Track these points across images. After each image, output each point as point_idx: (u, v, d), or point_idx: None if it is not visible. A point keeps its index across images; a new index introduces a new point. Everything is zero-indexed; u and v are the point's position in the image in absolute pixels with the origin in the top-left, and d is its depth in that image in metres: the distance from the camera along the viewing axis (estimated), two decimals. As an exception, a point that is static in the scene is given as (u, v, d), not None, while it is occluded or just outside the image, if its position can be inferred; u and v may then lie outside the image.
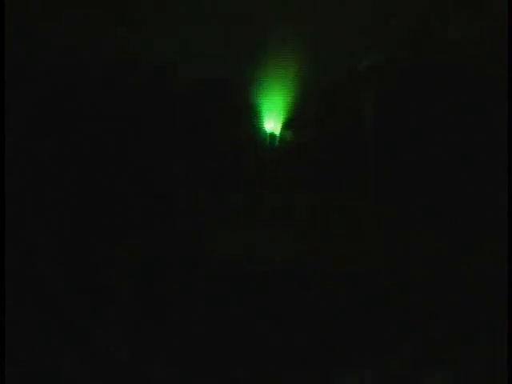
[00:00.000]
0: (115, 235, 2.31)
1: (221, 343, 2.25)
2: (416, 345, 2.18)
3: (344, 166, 2.36)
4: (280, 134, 2.39)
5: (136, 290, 2.29)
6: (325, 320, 2.28)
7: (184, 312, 2.28)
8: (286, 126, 2.38)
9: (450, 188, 2.27)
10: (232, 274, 2.34)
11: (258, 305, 2.30)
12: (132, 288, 2.29)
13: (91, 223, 2.30)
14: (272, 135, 2.39)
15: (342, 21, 2.27)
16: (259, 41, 2.31)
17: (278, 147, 2.39)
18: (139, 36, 2.28)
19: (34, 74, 2.22)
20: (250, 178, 2.40)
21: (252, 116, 2.38)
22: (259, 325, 2.28)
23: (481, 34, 2.17)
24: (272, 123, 2.39)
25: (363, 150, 2.34)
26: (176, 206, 2.37)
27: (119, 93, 2.29)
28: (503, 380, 1.96)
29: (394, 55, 2.28)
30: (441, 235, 2.28)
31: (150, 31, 2.28)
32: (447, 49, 2.24)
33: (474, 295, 2.18)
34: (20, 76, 2.18)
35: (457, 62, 2.23)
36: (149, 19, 2.29)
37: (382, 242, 2.34)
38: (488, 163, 2.20)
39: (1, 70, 2.04)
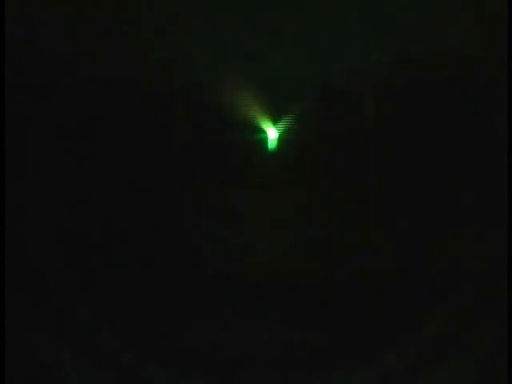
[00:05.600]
0: (115, 235, 2.31)
1: (221, 343, 2.25)
2: (415, 344, 2.18)
3: (344, 166, 2.36)
4: (280, 133, 2.39)
5: (136, 289, 2.29)
6: (325, 320, 2.28)
7: (184, 312, 2.28)
8: (286, 125, 2.38)
9: (450, 188, 2.27)
10: (232, 273, 2.34)
11: (257, 304, 2.30)
12: (132, 287, 2.29)
13: (91, 223, 2.30)
14: (272, 135, 2.39)
15: (343, 21, 2.27)
16: (259, 41, 2.31)
17: (277, 147, 2.39)
18: (139, 36, 2.28)
19: (34, 74, 2.22)
20: (250, 178, 2.40)
21: (251, 115, 2.38)
22: (260, 324, 2.28)
23: (482, 34, 2.17)
24: (271, 123, 2.39)
25: (363, 150, 2.34)
26: (176, 206, 2.37)
27: (119, 93, 2.29)
28: (503, 380, 1.96)
29: (394, 55, 2.28)
30: (441, 235, 2.29)
31: (151, 31, 2.28)
32: (447, 49, 2.24)
33: (473, 295, 2.18)
34: (20, 76, 2.18)
35: (458, 62, 2.23)
36: (149, 18, 2.29)
37: (382, 241, 2.34)
38: (489, 163, 2.20)
39: (1, 70, 2.04)
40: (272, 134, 2.38)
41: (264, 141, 2.38)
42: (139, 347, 2.17)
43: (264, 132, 2.38)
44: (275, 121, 2.37)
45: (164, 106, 2.32)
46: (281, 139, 2.38)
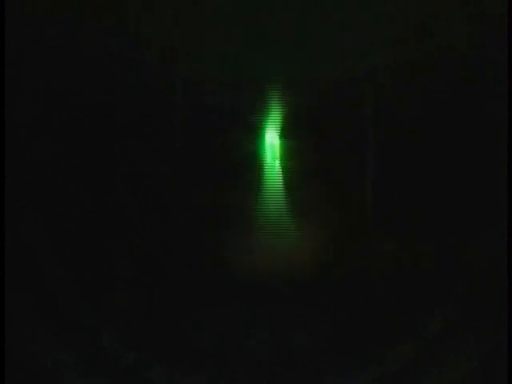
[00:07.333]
0: (116, 235, 2.31)
1: (220, 343, 2.25)
2: (415, 344, 2.18)
3: (344, 167, 2.37)
4: (280, 133, 2.39)
5: (136, 290, 2.29)
6: (325, 320, 2.28)
7: (185, 312, 2.28)
8: (286, 126, 2.38)
9: (450, 189, 2.27)
10: (232, 274, 2.34)
11: (257, 305, 2.30)
12: (132, 289, 2.30)
13: (92, 222, 2.30)
14: (271, 135, 2.40)
15: (342, 21, 2.27)
16: (258, 41, 2.31)
17: (277, 147, 2.39)
18: (139, 35, 2.28)
19: (34, 74, 2.22)
20: (250, 178, 2.40)
21: (251, 116, 2.38)
22: (259, 325, 2.28)
23: (481, 34, 2.17)
24: (271, 123, 2.39)
25: (364, 150, 2.35)
26: (176, 207, 2.37)
27: (118, 93, 2.29)
28: (503, 379, 1.97)
29: (394, 55, 2.28)
30: (441, 235, 2.29)
31: (151, 29, 2.28)
32: (447, 49, 2.24)
33: (473, 294, 2.18)
34: (20, 76, 2.18)
35: (458, 62, 2.23)
36: (149, 18, 2.29)
37: (382, 241, 2.34)
38: (489, 164, 2.20)
39: (1, 69, 2.04)
40: (272, 135, 2.38)
41: (264, 142, 2.38)
42: (140, 347, 2.18)
43: (264, 133, 2.38)
44: (275, 121, 2.37)
45: (163, 105, 2.32)
46: (281, 140, 2.38)
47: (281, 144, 2.39)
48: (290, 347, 2.24)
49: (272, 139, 2.39)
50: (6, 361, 1.95)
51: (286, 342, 2.25)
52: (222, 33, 2.28)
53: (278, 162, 2.40)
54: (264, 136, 2.38)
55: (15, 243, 2.12)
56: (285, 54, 2.31)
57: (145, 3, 2.27)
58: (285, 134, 2.38)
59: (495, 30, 2.11)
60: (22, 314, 2.10)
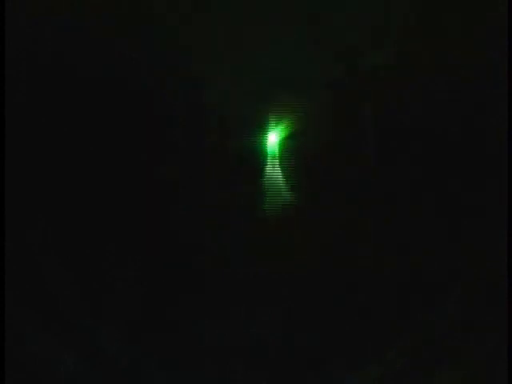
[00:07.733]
0: (116, 234, 2.31)
1: (220, 343, 2.25)
2: (415, 344, 2.18)
3: (344, 167, 2.37)
4: (279, 134, 2.39)
5: (136, 290, 2.29)
6: (325, 320, 2.28)
7: (185, 313, 2.28)
8: (286, 126, 2.38)
9: (450, 189, 2.28)
10: (232, 274, 2.34)
11: (257, 305, 2.30)
12: (132, 289, 2.29)
13: (91, 222, 2.30)
14: (272, 137, 2.40)
15: (342, 21, 2.27)
16: (258, 41, 2.31)
17: (277, 148, 2.39)
18: (139, 36, 2.28)
19: (34, 74, 2.22)
20: (250, 179, 2.40)
21: (251, 115, 2.38)
22: (259, 325, 2.28)
23: (481, 34, 2.17)
24: (271, 124, 2.39)
25: (364, 150, 2.35)
26: (176, 207, 2.37)
27: (118, 93, 2.29)
28: (503, 379, 1.97)
29: (394, 55, 2.28)
30: (440, 235, 2.29)
31: (151, 31, 2.28)
32: (448, 49, 2.24)
33: (473, 294, 2.18)
34: (20, 76, 2.18)
35: (458, 62, 2.23)
36: (149, 18, 2.28)
37: (381, 242, 2.34)
38: (489, 164, 2.20)
39: (1, 69, 2.04)
40: (272, 136, 2.38)
41: (264, 142, 2.38)
42: (140, 347, 2.18)
43: (264, 134, 2.38)
44: (275, 122, 2.37)
45: (162, 106, 2.32)
46: (281, 141, 2.38)
47: (281, 144, 2.39)
48: (290, 347, 2.24)
49: (272, 139, 2.39)
50: (6, 361, 1.95)
51: (286, 341, 2.25)
52: (223, 33, 2.28)
53: (278, 162, 2.40)
54: (264, 136, 2.38)
55: (15, 243, 2.12)
56: (285, 53, 2.31)
57: (145, 3, 2.27)
58: (285, 134, 2.38)
59: (495, 30, 2.12)
60: (22, 313, 2.10)
